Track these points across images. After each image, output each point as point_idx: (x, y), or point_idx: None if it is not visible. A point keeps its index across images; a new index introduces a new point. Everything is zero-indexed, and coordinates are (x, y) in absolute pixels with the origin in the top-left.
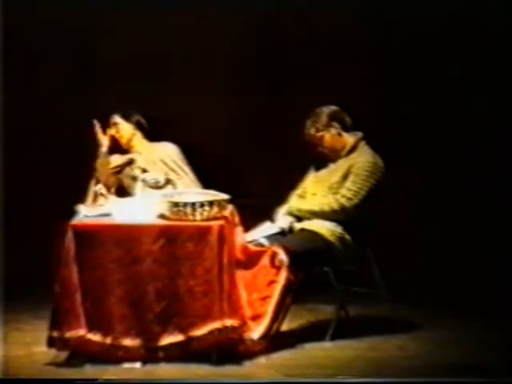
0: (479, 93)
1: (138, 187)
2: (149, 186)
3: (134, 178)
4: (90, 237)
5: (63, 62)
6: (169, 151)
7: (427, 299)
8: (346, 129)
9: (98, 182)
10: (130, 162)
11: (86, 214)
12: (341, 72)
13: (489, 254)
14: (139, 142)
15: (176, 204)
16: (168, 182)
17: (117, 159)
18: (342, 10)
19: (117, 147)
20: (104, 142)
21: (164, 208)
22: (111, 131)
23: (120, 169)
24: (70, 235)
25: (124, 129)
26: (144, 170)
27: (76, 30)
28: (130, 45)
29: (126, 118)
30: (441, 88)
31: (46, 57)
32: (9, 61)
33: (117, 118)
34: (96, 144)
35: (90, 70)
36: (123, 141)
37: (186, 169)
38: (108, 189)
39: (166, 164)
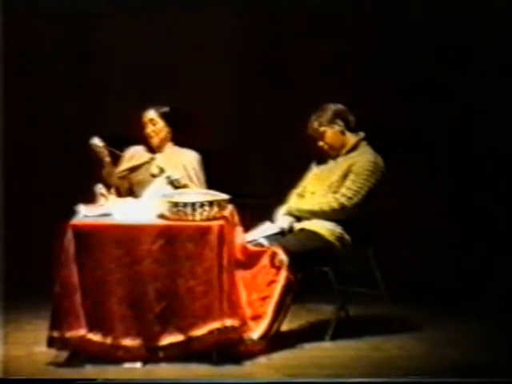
0: (482, 92)
1: (158, 182)
2: (169, 182)
3: (153, 176)
4: (90, 237)
5: (64, 62)
6: (191, 158)
7: (427, 299)
8: (350, 128)
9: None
10: (148, 162)
11: (86, 214)
12: (341, 72)
13: (489, 254)
14: (167, 142)
15: (176, 204)
16: (184, 186)
17: (132, 159)
18: (343, 9)
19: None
20: (106, 153)
21: (164, 208)
22: (148, 129)
23: (129, 172)
24: (69, 235)
25: (161, 126)
26: (162, 170)
27: (77, 30)
28: (130, 47)
29: (162, 114)
30: (443, 88)
31: (47, 56)
32: (9, 60)
33: (154, 115)
34: (97, 157)
35: (91, 71)
36: (157, 139)
37: (202, 179)
38: (119, 192)
39: (185, 169)
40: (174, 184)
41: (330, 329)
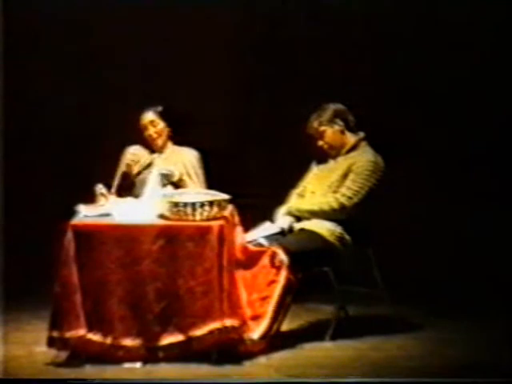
0: (484, 92)
1: (153, 179)
2: (163, 176)
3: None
4: (90, 237)
5: (64, 62)
6: (190, 156)
7: (427, 299)
8: (349, 128)
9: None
10: (151, 163)
11: (86, 213)
12: (342, 72)
13: (489, 254)
14: (168, 141)
15: (176, 204)
16: (181, 181)
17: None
18: (343, 9)
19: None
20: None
21: (164, 208)
22: (149, 131)
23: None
24: (69, 235)
25: (162, 127)
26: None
27: (77, 30)
28: (129, 47)
29: (162, 114)
30: (445, 88)
31: (47, 56)
32: (9, 60)
33: (155, 117)
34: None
35: (91, 71)
36: (160, 141)
37: (201, 177)
38: (119, 193)
39: (185, 167)
40: (168, 179)
41: (329, 329)
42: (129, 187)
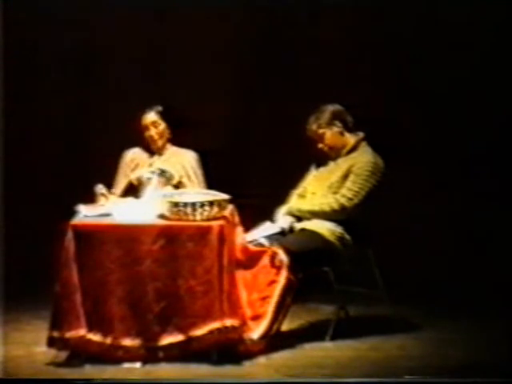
0: (484, 92)
1: (153, 180)
2: (163, 178)
3: (149, 178)
4: (90, 237)
5: (64, 61)
6: (189, 157)
7: (427, 299)
8: (348, 129)
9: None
10: (150, 165)
11: (86, 213)
12: (342, 72)
13: (489, 254)
14: (168, 142)
15: (176, 204)
16: (180, 183)
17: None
18: (343, 8)
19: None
20: (104, 198)
21: (164, 208)
22: (150, 132)
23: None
24: (70, 235)
25: (163, 128)
26: (162, 171)
27: (77, 29)
28: (130, 47)
29: (163, 115)
30: (445, 88)
31: (47, 56)
32: (9, 60)
33: (156, 117)
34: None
35: (91, 71)
36: (161, 142)
37: (201, 178)
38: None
39: (184, 168)
40: (168, 178)
41: (330, 329)
42: (133, 194)
